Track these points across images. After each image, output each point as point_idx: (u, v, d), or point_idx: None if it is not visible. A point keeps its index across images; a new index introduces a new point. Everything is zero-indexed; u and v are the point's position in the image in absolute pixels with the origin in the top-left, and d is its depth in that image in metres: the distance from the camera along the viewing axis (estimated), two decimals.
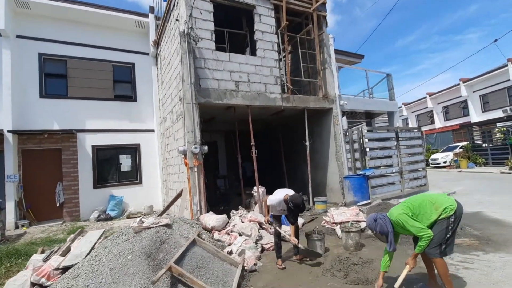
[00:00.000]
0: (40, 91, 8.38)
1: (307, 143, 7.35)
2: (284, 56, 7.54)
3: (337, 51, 11.97)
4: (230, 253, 3.91)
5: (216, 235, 4.37)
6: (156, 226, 3.57)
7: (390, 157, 7.71)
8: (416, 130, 8.67)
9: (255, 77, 6.57)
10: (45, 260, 3.75)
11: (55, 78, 8.68)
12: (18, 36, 8.19)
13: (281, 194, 4.02)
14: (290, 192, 4.05)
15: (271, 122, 10.27)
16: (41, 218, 8.04)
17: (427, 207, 2.61)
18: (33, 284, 3.29)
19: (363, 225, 4.74)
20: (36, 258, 3.76)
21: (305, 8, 7.61)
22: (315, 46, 7.65)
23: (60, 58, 8.73)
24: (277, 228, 4.01)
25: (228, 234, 4.44)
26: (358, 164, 7.36)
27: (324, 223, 5.46)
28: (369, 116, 10.97)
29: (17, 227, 7.41)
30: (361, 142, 7.21)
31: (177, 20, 5.52)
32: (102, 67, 9.30)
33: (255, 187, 6.66)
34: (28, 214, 7.78)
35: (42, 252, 4.04)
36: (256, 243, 4.52)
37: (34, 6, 8.13)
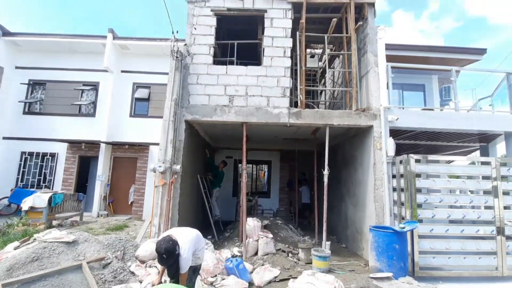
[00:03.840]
0: (130, 112, 10.69)
1: (325, 171, 5.54)
2: (299, 62, 6.14)
3: (439, 48, 8.75)
4: None
5: (133, 266, 3.93)
6: (53, 241, 3.60)
7: (474, 207, 4.57)
8: None
9: (255, 89, 5.68)
10: None
11: (141, 101, 10.86)
12: (122, 71, 10.88)
13: (165, 234, 3.07)
14: (176, 233, 3.00)
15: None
16: (117, 212, 10.07)
17: None
18: None
19: None
20: None
21: None
22: (351, 43, 5.80)
23: (146, 85, 10.87)
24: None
25: (146, 268, 3.89)
26: (404, 212, 4.81)
27: None
28: (485, 140, 7.14)
29: (98, 216, 9.60)
30: (408, 178, 4.68)
31: (170, 39, 5.64)
32: None
33: (249, 219, 5.64)
34: (108, 207, 9.94)
35: None
36: None
37: (131, 47, 10.59)
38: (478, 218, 4.56)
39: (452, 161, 7.24)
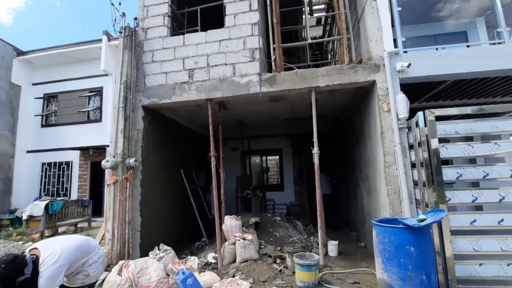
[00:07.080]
0: None
1: (314, 150, 4.19)
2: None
3: None
4: None
5: None
6: None
7: None
8: None
9: (217, 58, 4.58)
10: None
11: None
12: None
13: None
14: (44, 245, 2.22)
15: (339, 117, 7.08)
16: None
17: None
18: None
19: None
20: None
21: None
22: None
23: None
24: None
25: None
26: (428, 197, 3.25)
27: None
28: None
29: None
30: (427, 144, 3.14)
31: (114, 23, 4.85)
32: None
33: (226, 217, 4.58)
34: None
35: None
36: None
37: None
38: None
39: None
